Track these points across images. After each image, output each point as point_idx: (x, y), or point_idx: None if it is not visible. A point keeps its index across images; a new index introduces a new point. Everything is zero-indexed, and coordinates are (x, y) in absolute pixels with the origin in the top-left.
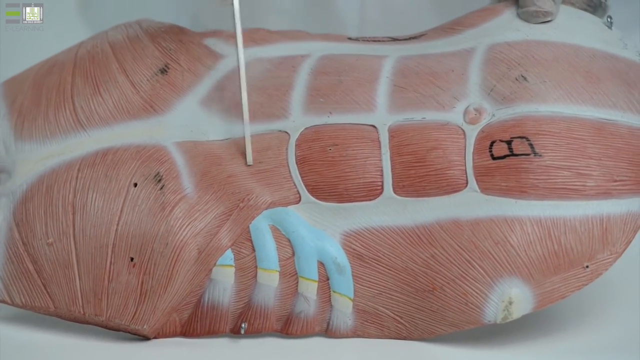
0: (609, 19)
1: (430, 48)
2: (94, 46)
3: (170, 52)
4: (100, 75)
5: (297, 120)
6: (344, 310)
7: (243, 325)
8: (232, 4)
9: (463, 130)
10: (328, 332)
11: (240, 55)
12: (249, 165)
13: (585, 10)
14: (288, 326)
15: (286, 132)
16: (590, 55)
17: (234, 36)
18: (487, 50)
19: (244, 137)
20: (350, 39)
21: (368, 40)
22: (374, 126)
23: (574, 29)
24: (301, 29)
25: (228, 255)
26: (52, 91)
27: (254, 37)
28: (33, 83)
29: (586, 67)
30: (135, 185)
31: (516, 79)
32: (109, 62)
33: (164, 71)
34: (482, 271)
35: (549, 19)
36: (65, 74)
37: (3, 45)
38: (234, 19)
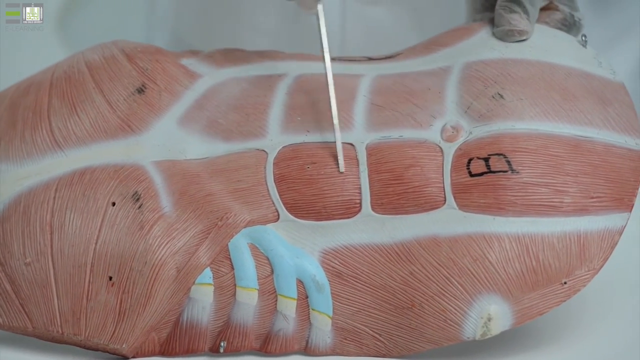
0: (583, 38)
1: (406, 67)
2: (70, 66)
3: (147, 71)
4: (77, 95)
5: (275, 138)
6: (323, 328)
7: (222, 344)
8: (317, 13)
9: (440, 148)
10: (307, 350)
11: (327, 57)
12: (342, 173)
13: (560, 29)
14: (267, 344)
15: (264, 150)
16: (566, 73)
17: (211, 56)
18: (463, 69)
19: (224, 155)
20: None
21: (344, 60)
22: (351, 144)
23: (549, 47)
24: (282, 49)
25: (207, 274)
26: (28, 112)
27: (230, 56)
28: (9, 104)
29: (562, 85)
30: (114, 204)
31: (493, 97)
32: (85, 82)
33: (141, 91)
34: (460, 288)
35: (524, 37)
36: (42, 94)
37: (3, 45)
38: (319, 25)
